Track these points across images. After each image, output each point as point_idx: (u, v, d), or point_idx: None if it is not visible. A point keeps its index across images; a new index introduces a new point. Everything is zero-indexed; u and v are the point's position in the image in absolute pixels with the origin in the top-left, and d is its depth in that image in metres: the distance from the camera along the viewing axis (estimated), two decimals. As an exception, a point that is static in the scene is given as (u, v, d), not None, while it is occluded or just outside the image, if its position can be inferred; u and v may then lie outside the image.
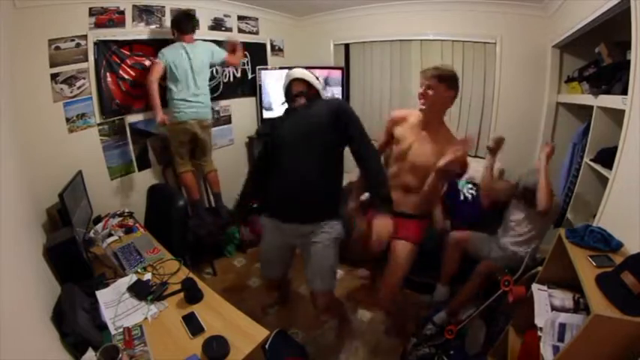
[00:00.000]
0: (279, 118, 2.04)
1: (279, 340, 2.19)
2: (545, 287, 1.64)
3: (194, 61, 2.85)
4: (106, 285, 1.72)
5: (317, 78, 2.02)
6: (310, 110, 1.88)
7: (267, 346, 2.08)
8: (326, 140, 1.82)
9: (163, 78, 2.83)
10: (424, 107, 1.94)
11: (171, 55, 2.78)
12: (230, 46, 3.24)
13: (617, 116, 1.84)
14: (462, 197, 2.90)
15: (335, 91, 3.95)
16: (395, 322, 2.49)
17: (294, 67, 2.03)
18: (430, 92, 1.91)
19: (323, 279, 1.97)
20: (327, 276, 1.98)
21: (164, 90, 2.90)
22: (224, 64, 3.23)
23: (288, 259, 2.16)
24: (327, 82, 3.91)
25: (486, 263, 2.30)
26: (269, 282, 2.37)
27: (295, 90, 1.95)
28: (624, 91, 1.68)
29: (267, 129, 2.08)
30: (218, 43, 3.23)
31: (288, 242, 2.04)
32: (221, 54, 3.10)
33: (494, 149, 2.33)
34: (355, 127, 1.85)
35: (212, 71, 3.45)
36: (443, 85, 1.91)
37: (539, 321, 1.49)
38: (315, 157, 1.82)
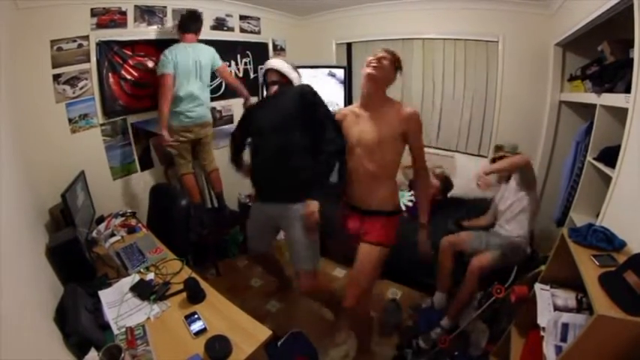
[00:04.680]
0: (256, 104, 2.24)
1: (293, 339, 2.22)
2: (547, 287, 1.63)
3: (197, 61, 2.83)
4: (109, 285, 1.73)
5: (293, 68, 2.18)
6: (283, 97, 2.05)
7: (279, 344, 2.13)
8: (297, 125, 1.95)
9: None
10: (375, 74, 1.79)
11: (175, 53, 2.74)
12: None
13: (620, 115, 1.83)
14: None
15: (337, 90, 3.96)
16: (365, 332, 2.24)
17: (272, 59, 2.27)
18: (385, 62, 1.79)
19: (302, 259, 2.06)
20: (305, 255, 2.05)
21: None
22: (218, 72, 3.10)
23: (269, 236, 2.33)
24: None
25: (478, 259, 2.26)
26: (253, 256, 2.52)
27: (269, 79, 2.15)
28: (627, 90, 1.66)
29: (246, 114, 2.28)
30: (219, 43, 3.24)
31: (269, 222, 2.16)
32: (218, 63, 3.03)
33: None
34: (320, 111, 1.99)
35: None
36: (394, 61, 1.83)
37: (541, 321, 1.48)
38: (287, 141, 1.95)
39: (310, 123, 1.96)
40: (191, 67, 2.80)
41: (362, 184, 1.93)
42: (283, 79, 2.13)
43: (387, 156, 1.86)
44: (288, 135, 1.95)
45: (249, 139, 2.26)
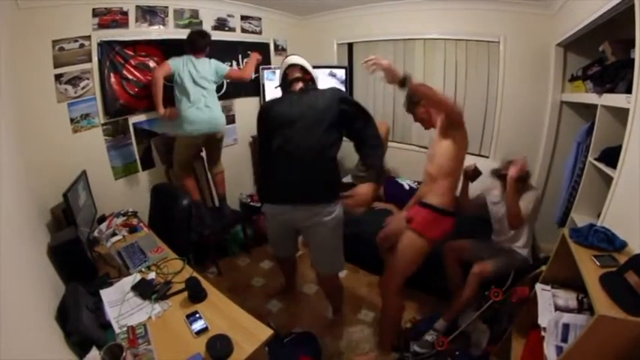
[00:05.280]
0: (275, 100, 2.10)
1: (299, 338, 2.24)
2: (548, 287, 1.64)
3: (199, 74, 2.86)
4: (110, 284, 1.73)
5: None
6: (310, 95, 1.98)
7: (285, 341, 2.16)
8: (327, 125, 1.88)
9: (169, 81, 2.84)
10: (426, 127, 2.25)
11: (178, 63, 2.80)
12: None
13: (621, 115, 1.82)
14: (407, 187, 3.45)
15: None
16: (387, 328, 2.32)
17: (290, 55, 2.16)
18: (419, 119, 2.23)
19: (329, 262, 2.10)
20: (332, 259, 2.09)
21: (171, 93, 2.90)
22: (229, 77, 3.23)
23: (293, 239, 2.36)
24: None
25: (480, 266, 2.24)
26: (278, 259, 2.61)
27: (292, 75, 2.06)
28: (628, 90, 1.66)
29: (264, 110, 2.11)
30: (220, 43, 3.25)
31: (291, 226, 2.13)
32: (224, 70, 3.09)
33: (471, 177, 2.34)
34: (354, 104, 1.99)
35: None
36: (415, 109, 2.20)
37: (542, 321, 1.48)
38: (317, 140, 1.87)
39: (341, 124, 1.94)
40: (190, 77, 2.83)
41: (426, 181, 2.15)
42: (307, 76, 2.08)
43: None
44: (319, 132, 1.87)
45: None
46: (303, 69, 2.08)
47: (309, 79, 2.08)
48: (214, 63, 3.03)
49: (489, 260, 2.26)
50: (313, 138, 1.86)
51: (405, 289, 2.15)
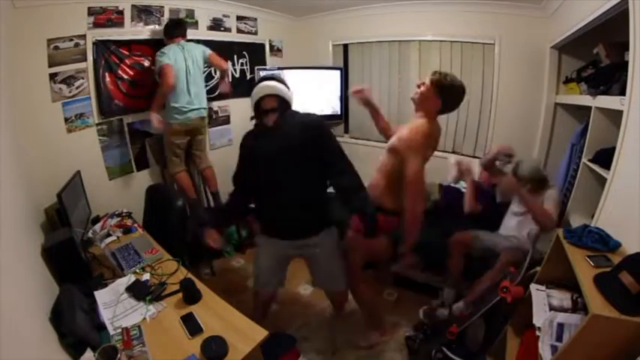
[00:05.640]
0: (257, 134, 1.94)
1: (271, 341, 2.19)
2: (543, 287, 1.65)
3: (190, 59, 2.87)
4: (105, 285, 1.72)
5: (287, 87, 1.88)
6: (288, 128, 1.80)
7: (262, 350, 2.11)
8: (309, 158, 1.80)
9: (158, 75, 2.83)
10: (414, 98, 2.08)
11: (171, 53, 2.79)
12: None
13: (615, 117, 1.84)
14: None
15: (333, 92, 3.98)
16: (371, 311, 2.40)
17: (264, 80, 1.87)
18: (422, 88, 2.06)
19: (335, 280, 2.11)
20: (337, 277, 2.10)
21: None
22: (211, 59, 3.11)
23: (284, 271, 2.18)
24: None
25: (508, 253, 2.26)
26: (262, 294, 2.18)
27: (267, 106, 1.81)
28: (622, 92, 1.68)
29: (247, 143, 2.00)
30: (216, 44, 3.24)
31: (287, 255, 2.10)
32: (207, 51, 3.08)
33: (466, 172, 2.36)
34: (332, 149, 1.85)
35: (210, 71, 3.44)
36: (433, 88, 2.06)
37: (537, 321, 1.49)
38: (304, 174, 1.83)
39: (322, 154, 1.82)
40: (184, 62, 2.84)
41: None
42: (282, 104, 1.82)
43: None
44: (304, 168, 1.81)
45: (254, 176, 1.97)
46: (279, 98, 1.82)
47: (285, 108, 1.84)
48: (200, 46, 3.05)
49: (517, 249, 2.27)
50: (296, 175, 1.81)
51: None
